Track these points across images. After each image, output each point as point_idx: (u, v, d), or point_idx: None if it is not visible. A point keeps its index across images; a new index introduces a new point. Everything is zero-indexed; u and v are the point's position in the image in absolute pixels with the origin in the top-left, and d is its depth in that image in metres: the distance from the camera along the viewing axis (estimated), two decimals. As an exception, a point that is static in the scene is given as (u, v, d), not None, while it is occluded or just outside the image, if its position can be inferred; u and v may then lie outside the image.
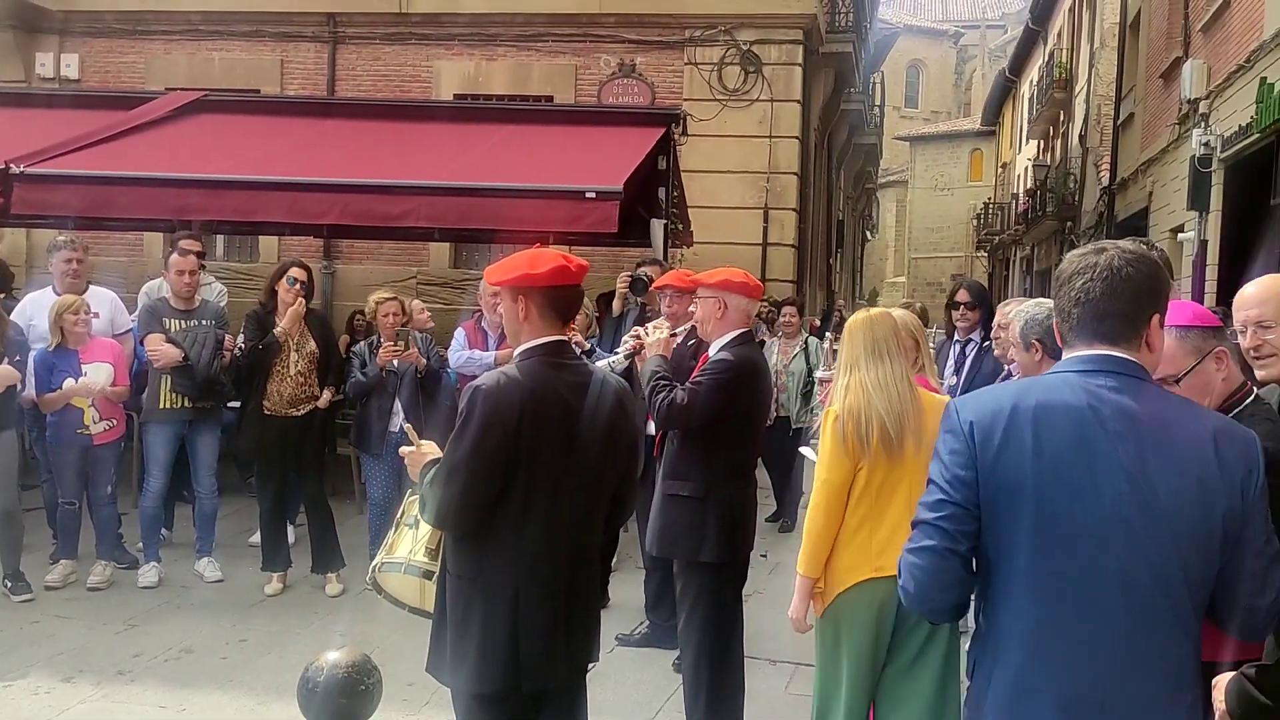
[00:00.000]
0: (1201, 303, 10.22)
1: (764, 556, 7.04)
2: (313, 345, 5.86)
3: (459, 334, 6.26)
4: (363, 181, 7.05)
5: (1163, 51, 14.38)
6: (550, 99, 12.17)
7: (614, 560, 6.01)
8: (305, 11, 12.52)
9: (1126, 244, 2.04)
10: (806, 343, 8.20)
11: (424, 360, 6.02)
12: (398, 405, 5.95)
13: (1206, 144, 10.93)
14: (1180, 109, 12.57)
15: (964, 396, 2.09)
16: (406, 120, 8.92)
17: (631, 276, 5.91)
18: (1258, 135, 9.64)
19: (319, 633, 5.29)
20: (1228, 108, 10.82)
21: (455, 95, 12.27)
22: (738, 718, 4.07)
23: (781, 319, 8.59)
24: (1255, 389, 2.25)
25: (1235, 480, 1.93)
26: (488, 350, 6.12)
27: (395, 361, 5.89)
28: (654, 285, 5.17)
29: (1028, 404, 1.93)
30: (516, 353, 2.81)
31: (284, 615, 5.60)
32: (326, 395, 5.94)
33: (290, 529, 6.38)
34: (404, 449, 2.93)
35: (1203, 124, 11.23)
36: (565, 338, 2.85)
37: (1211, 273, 11.04)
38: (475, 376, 5.80)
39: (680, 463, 4.09)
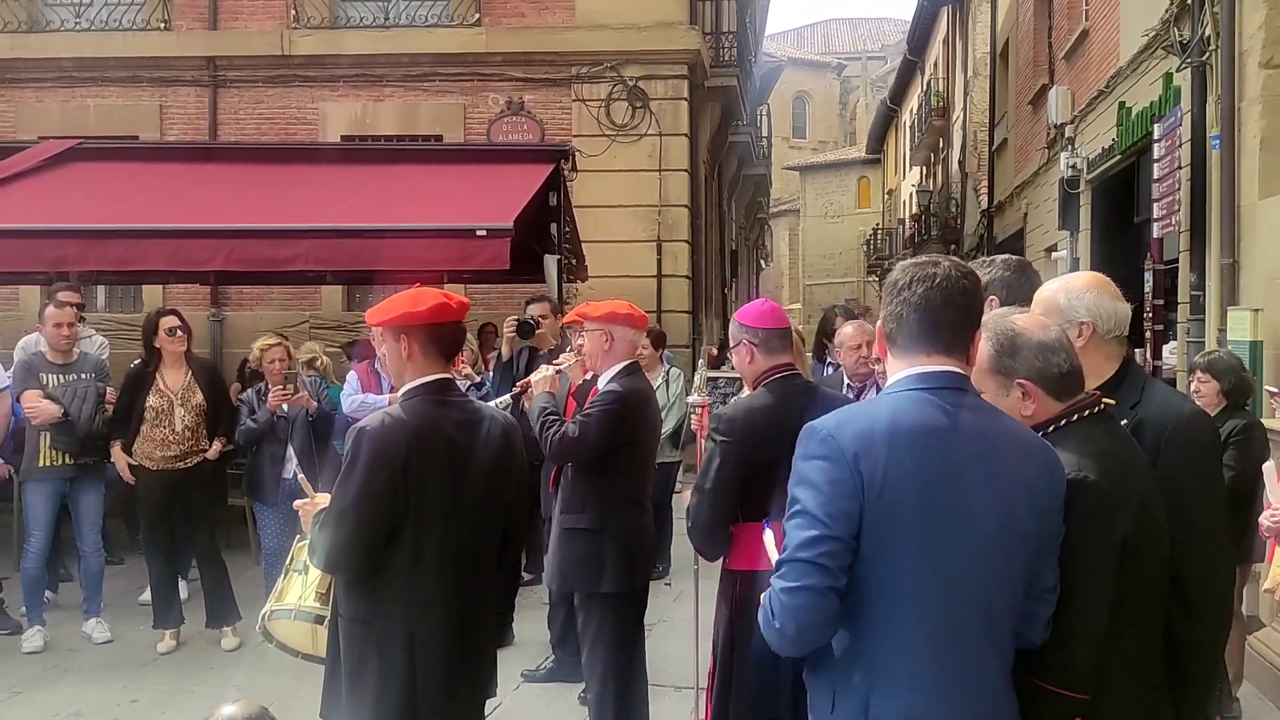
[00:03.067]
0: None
1: (668, 585, 7.09)
2: (199, 398, 5.73)
3: (351, 377, 6.21)
4: (248, 226, 6.94)
5: (1030, 79, 15.07)
6: (439, 138, 12.16)
7: (517, 596, 5.99)
8: (184, 56, 12.27)
9: (955, 259, 2.11)
10: (668, 374, 7.77)
11: (314, 403, 5.95)
12: (290, 451, 5.86)
13: (1073, 166, 11.48)
14: (1049, 134, 13.16)
15: (830, 419, 1.99)
16: (292, 163, 8.82)
17: (518, 320, 5.93)
18: (1119, 157, 10.16)
19: (215, 689, 5.14)
20: (1091, 131, 11.38)
21: (342, 136, 12.17)
22: (644, 746, 4.10)
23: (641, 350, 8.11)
24: (1103, 403, 2.32)
25: (1058, 502, 2.01)
26: (382, 393, 6.07)
27: (285, 406, 5.80)
28: (564, 320, 5.20)
29: (900, 427, 1.91)
30: (401, 392, 2.82)
31: (178, 673, 5.44)
32: (216, 446, 5.81)
33: (183, 584, 6.19)
34: (298, 502, 2.90)
35: (1069, 147, 11.78)
36: (450, 375, 2.87)
37: (1084, 288, 11.53)
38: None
39: (575, 496, 4.11)
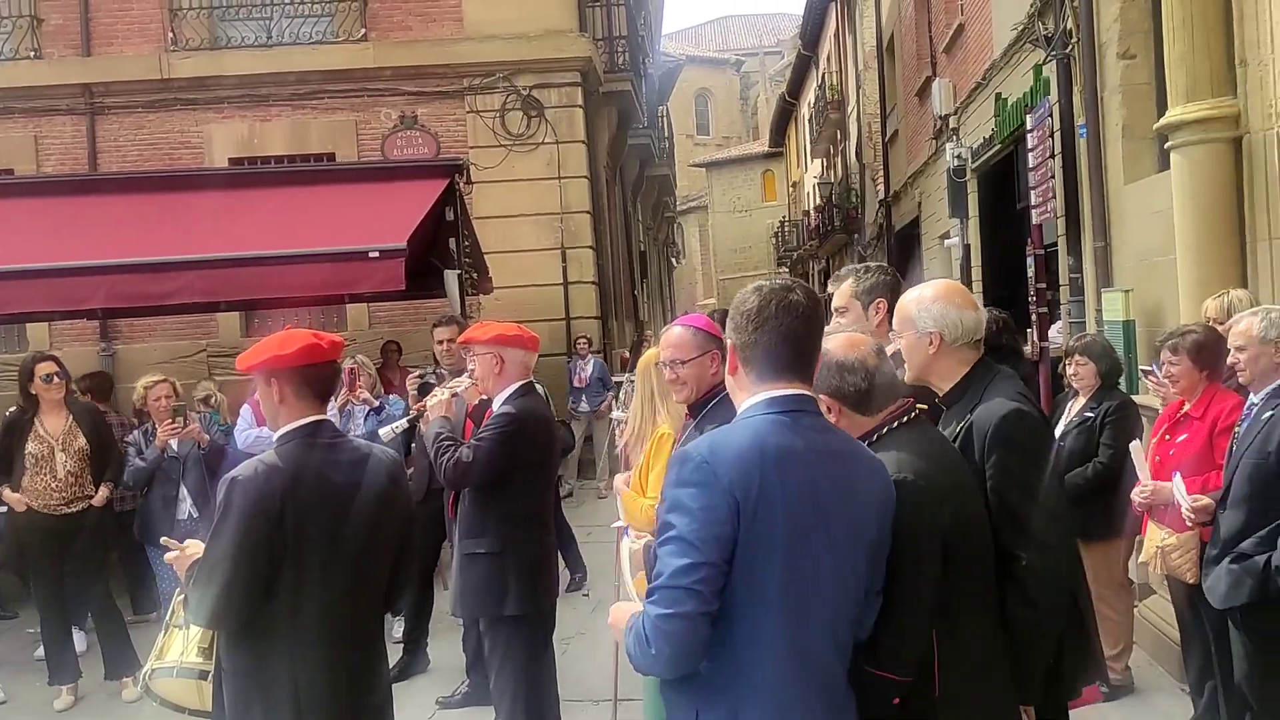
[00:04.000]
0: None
1: (586, 595, 7.11)
2: (82, 441, 5.56)
3: (245, 411, 6.09)
4: (128, 261, 6.74)
5: (915, 72, 15.46)
6: (331, 156, 11.97)
7: (430, 621, 5.95)
8: (58, 84, 11.84)
9: (803, 284, 2.21)
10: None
11: (205, 435, 5.82)
12: (183, 491, 5.73)
13: (959, 156, 11.82)
14: (935, 124, 13.52)
15: (702, 445, 2.02)
16: (178, 191, 8.56)
17: (421, 380, 5.88)
18: (999, 146, 10.50)
19: (117, 744, 5.01)
20: (973, 121, 11.73)
21: (230, 159, 11.89)
22: (558, 765, 4.12)
23: None
24: (917, 408, 2.47)
25: (891, 510, 2.14)
26: (278, 425, 5.96)
27: (175, 443, 5.66)
28: (459, 341, 5.17)
29: (767, 451, 1.97)
30: (275, 437, 2.78)
31: (77, 730, 5.28)
32: (103, 492, 5.64)
33: (80, 635, 5.99)
34: (169, 554, 2.83)
35: (954, 138, 12.14)
36: (325, 417, 2.84)
37: (976, 274, 11.90)
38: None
39: (475, 519, 4.10)
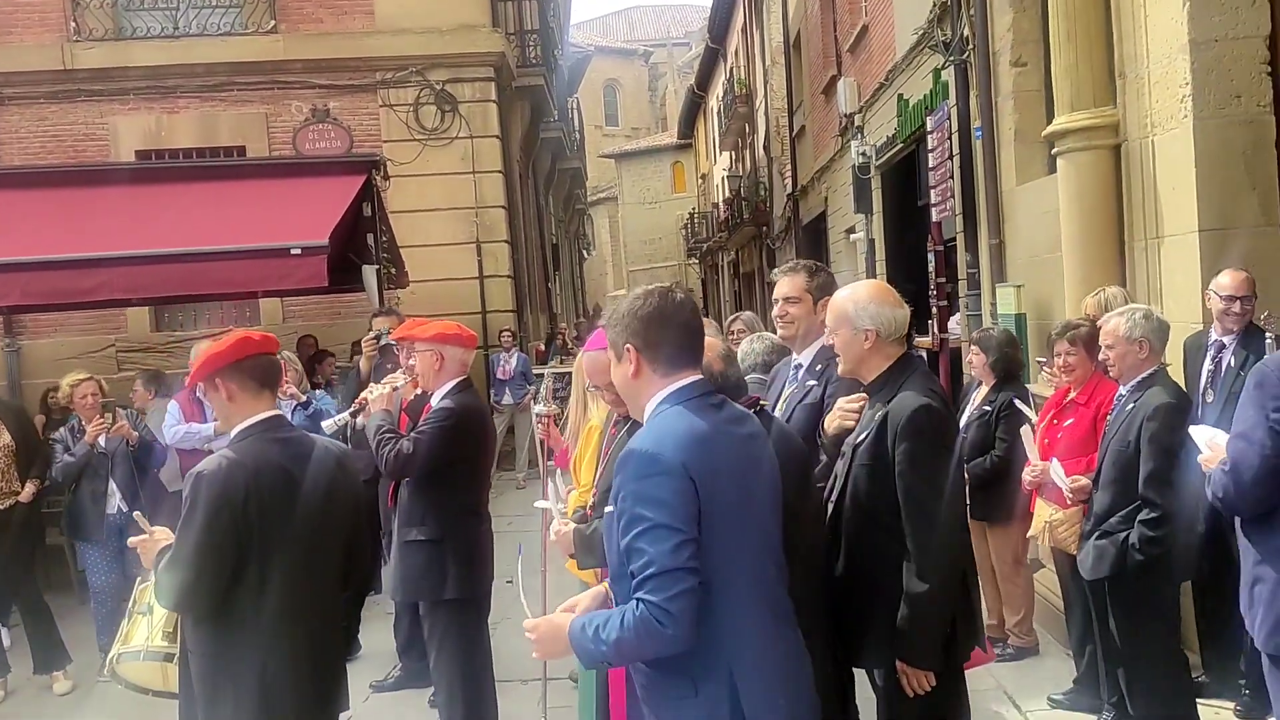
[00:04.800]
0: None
1: (509, 582, 7.29)
2: (7, 438, 5.56)
3: (172, 407, 6.12)
4: (45, 258, 6.71)
5: (821, 70, 15.88)
6: (242, 150, 11.85)
7: (362, 609, 6.08)
8: (-46, 73, 11.51)
9: (680, 286, 2.50)
10: None
11: (134, 433, 5.86)
12: (112, 486, 5.76)
13: (863, 153, 12.24)
14: (840, 122, 13.94)
15: (645, 441, 2.19)
16: (87, 185, 8.46)
17: (377, 340, 6.04)
18: (901, 145, 10.95)
19: (53, 737, 5.05)
20: (877, 120, 12.17)
21: (137, 152, 11.70)
22: (495, 741, 4.33)
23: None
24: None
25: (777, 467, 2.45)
26: (206, 421, 6.02)
27: (104, 439, 5.69)
28: (392, 336, 5.31)
29: (699, 433, 2.18)
30: (233, 434, 2.93)
31: (9, 725, 5.30)
32: (29, 488, 5.65)
33: (4, 631, 5.98)
34: (133, 539, 2.96)
35: (859, 136, 12.55)
36: (278, 412, 3.00)
37: (881, 267, 12.37)
38: (194, 451, 5.75)
39: (414, 509, 4.28)
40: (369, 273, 8.38)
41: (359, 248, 8.43)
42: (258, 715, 2.78)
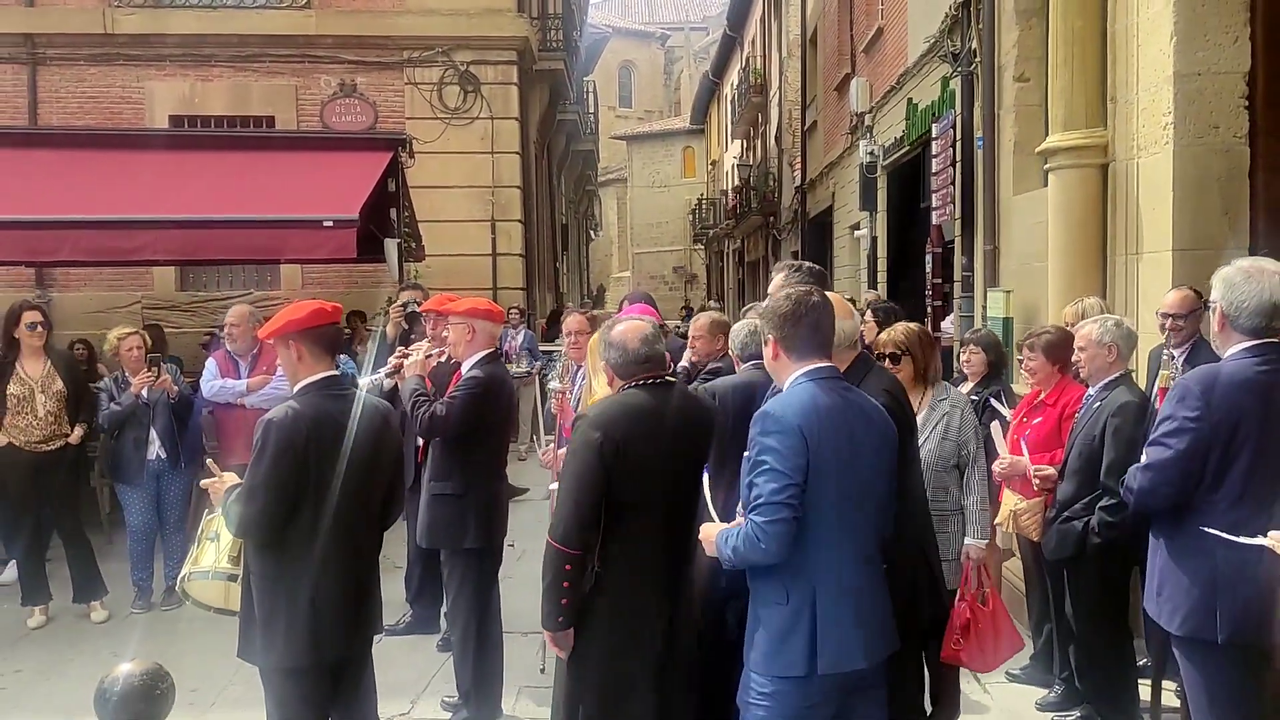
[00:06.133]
0: (874, 289, 11.87)
1: (512, 545, 7.72)
2: (60, 384, 6.00)
3: (210, 364, 6.51)
4: (93, 218, 7.09)
5: (835, 67, 16.19)
6: (272, 119, 12.24)
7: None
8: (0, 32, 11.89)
9: (818, 288, 3.04)
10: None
11: (175, 387, 6.28)
12: (153, 434, 6.18)
13: (871, 153, 12.60)
14: (851, 120, 14.29)
15: (774, 406, 2.84)
16: (121, 149, 8.78)
17: (406, 308, 6.49)
18: (909, 147, 11.31)
19: (93, 657, 5.47)
20: (886, 121, 12.52)
21: (171, 117, 12.10)
22: (499, 680, 4.77)
23: None
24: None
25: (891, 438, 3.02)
26: (240, 378, 6.42)
27: (146, 391, 6.11)
28: (425, 308, 5.72)
29: (819, 405, 2.80)
30: (297, 388, 3.35)
31: (54, 644, 5.75)
32: (78, 431, 6.09)
33: (12, 565, 6.41)
34: (205, 480, 3.39)
35: (868, 135, 12.91)
36: (335, 372, 3.42)
37: (882, 264, 12.76)
38: (229, 404, 6.17)
39: (443, 466, 4.70)
40: (390, 246, 8.76)
41: (381, 221, 8.80)
42: (307, 631, 3.21)
